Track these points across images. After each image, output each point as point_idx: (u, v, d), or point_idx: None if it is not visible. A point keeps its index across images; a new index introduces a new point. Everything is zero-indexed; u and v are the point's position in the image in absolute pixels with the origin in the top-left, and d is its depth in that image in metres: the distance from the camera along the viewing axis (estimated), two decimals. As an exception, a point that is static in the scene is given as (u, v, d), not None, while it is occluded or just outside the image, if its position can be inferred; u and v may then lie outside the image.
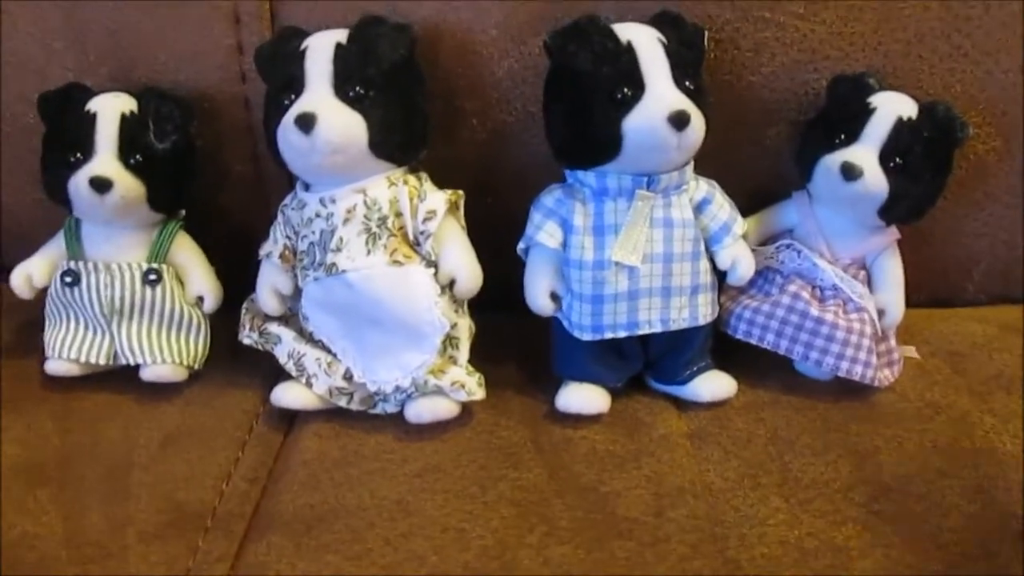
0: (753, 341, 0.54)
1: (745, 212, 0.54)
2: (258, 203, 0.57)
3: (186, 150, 0.53)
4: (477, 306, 0.53)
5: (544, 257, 0.51)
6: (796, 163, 0.54)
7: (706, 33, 0.50)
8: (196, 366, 0.54)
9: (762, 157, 0.56)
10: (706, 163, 0.51)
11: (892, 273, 0.54)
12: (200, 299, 0.54)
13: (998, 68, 0.55)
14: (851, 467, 0.48)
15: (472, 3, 0.53)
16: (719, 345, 0.55)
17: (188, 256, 0.54)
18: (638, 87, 0.46)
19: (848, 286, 0.52)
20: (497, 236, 0.51)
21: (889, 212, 0.51)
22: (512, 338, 0.56)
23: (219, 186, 0.58)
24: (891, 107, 0.50)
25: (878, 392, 0.53)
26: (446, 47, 0.53)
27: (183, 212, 0.55)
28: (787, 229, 0.55)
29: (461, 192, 0.50)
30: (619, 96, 0.46)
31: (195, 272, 0.54)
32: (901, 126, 0.49)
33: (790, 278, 0.54)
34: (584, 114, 0.47)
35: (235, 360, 0.54)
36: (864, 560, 0.42)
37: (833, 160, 0.50)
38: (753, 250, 0.53)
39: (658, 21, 0.49)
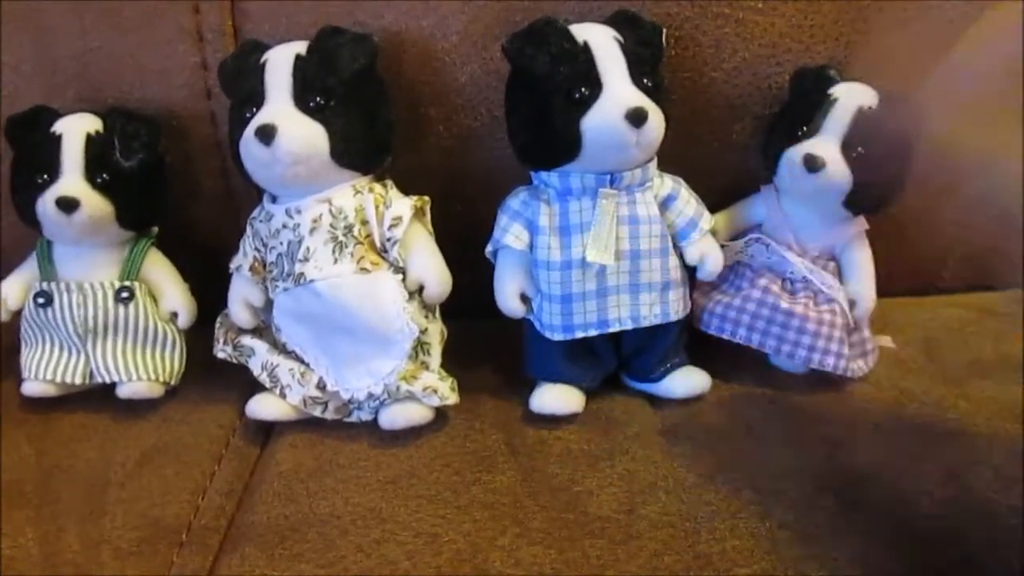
0: (726, 336, 0.54)
1: (713, 208, 0.54)
2: (228, 217, 0.58)
3: (154, 167, 0.53)
4: (449, 311, 0.53)
5: (512, 259, 0.51)
6: (761, 157, 0.54)
7: (664, 31, 0.50)
8: (172, 382, 0.54)
9: (727, 152, 0.56)
10: (671, 160, 0.52)
11: (861, 263, 0.54)
12: (174, 315, 0.54)
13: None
14: (824, 457, 0.48)
15: (433, 11, 0.53)
16: (694, 341, 0.55)
17: (160, 272, 0.54)
18: (595, 86, 0.46)
19: (818, 278, 0.53)
20: (467, 240, 0.51)
21: (854, 202, 0.51)
22: (485, 341, 0.57)
23: (189, 202, 0.58)
24: (852, 98, 0.50)
25: (853, 383, 0.53)
26: (409, 55, 0.54)
27: (155, 229, 0.55)
28: (756, 223, 0.56)
29: (427, 198, 0.50)
30: (577, 96, 0.46)
31: (168, 288, 0.54)
32: (861, 116, 0.50)
33: (760, 272, 0.54)
34: (543, 115, 0.47)
35: (211, 374, 0.55)
36: (836, 549, 0.42)
37: (796, 152, 0.50)
38: (723, 245, 0.53)
39: (615, 21, 0.49)
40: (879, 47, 0.54)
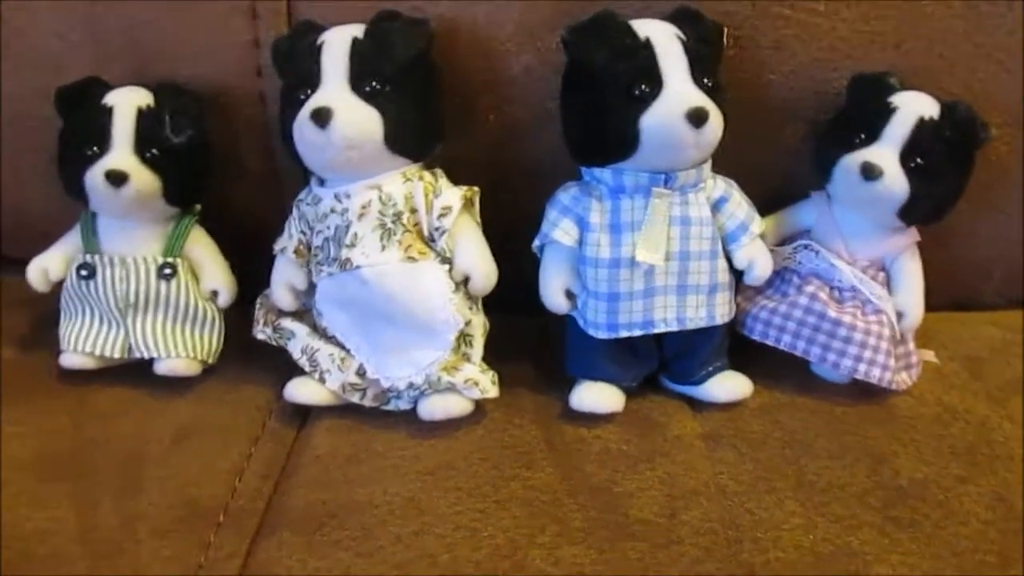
0: (770, 342, 0.53)
1: (763, 211, 0.53)
2: (273, 198, 0.57)
3: (201, 145, 0.52)
4: (492, 304, 0.52)
5: (559, 255, 0.50)
6: (815, 163, 0.53)
7: (725, 30, 0.49)
8: (210, 360, 0.54)
9: (780, 156, 0.55)
10: (724, 161, 0.51)
11: (911, 275, 0.53)
12: (214, 293, 0.54)
13: (1020, 68, 0.54)
14: (867, 471, 0.47)
15: (489, 0, 0.53)
16: (735, 345, 0.54)
17: (203, 251, 0.54)
18: (656, 84, 0.45)
19: (867, 287, 0.52)
20: (513, 233, 0.51)
21: (909, 213, 0.50)
22: (527, 336, 0.56)
23: (234, 181, 0.57)
24: (912, 107, 0.49)
25: (895, 396, 0.53)
26: (463, 43, 0.53)
27: (199, 207, 0.55)
28: (805, 229, 0.55)
29: (476, 188, 0.50)
30: (636, 92, 0.45)
31: (210, 267, 0.54)
32: (922, 126, 0.49)
33: (807, 279, 0.53)
34: (601, 111, 0.46)
35: (249, 355, 0.54)
36: (880, 565, 0.42)
37: (853, 160, 0.49)
38: (771, 250, 0.53)
39: (677, 17, 0.48)
40: (940, 55, 0.54)
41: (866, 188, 0.49)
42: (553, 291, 0.51)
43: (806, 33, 0.52)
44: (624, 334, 0.50)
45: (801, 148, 0.55)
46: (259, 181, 0.58)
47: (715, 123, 0.46)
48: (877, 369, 0.51)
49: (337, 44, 0.47)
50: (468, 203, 0.49)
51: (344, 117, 0.45)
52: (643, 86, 0.45)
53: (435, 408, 0.49)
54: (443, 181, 0.50)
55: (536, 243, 0.51)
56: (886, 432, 0.50)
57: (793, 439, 0.49)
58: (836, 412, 0.52)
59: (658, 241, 0.48)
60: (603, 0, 0.51)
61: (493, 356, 0.52)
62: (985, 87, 0.55)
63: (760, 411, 0.52)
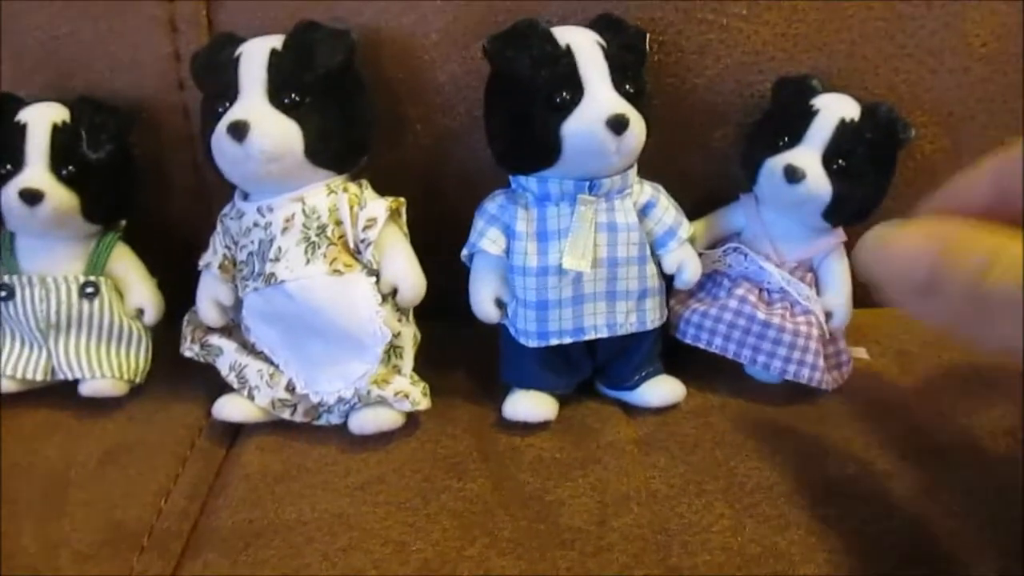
0: (702, 345, 0.53)
1: (692, 215, 0.54)
2: (200, 212, 0.56)
3: (122, 160, 0.51)
4: (425, 313, 0.52)
5: (488, 264, 0.50)
6: (742, 166, 0.53)
7: (648, 36, 0.50)
8: (137, 380, 0.53)
9: (708, 160, 0.56)
10: (651, 166, 0.51)
11: (839, 275, 0.54)
12: (140, 311, 0.53)
13: (943, 67, 0.55)
14: (797, 470, 0.47)
15: (414, 8, 0.52)
16: (670, 349, 0.54)
17: (127, 268, 0.53)
18: (577, 91, 0.45)
19: (795, 288, 0.52)
20: (444, 242, 0.51)
21: (834, 214, 0.51)
22: (461, 345, 0.56)
23: (160, 196, 0.57)
24: (834, 109, 0.50)
25: (827, 394, 0.53)
26: (388, 52, 0.53)
27: (122, 223, 0.54)
28: (735, 232, 0.55)
29: (402, 199, 0.49)
30: (558, 100, 0.45)
31: (135, 284, 0.53)
32: (844, 128, 0.49)
33: (738, 282, 0.53)
34: (522, 119, 0.46)
35: (179, 373, 0.53)
36: (806, 565, 0.42)
37: (776, 163, 0.50)
38: (701, 254, 0.53)
39: (599, 24, 0.48)
40: (863, 56, 0.54)
41: (790, 190, 0.49)
42: (482, 300, 0.50)
43: (730, 37, 0.53)
44: (555, 342, 0.50)
45: (729, 152, 0.55)
46: (186, 196, 0.57)
47: (637, 129, 0.46)
48: (806, 369, 0.52)
49: (255, 56, 0.47)
50: (394, 214, 0.49)
51: (262, 130, 0.44)
52: (564, 94, 0.45)
53: (366, 422, 0.49)
54: (368, 192, 0.49)
55: (464, 252, 0.50)
56: (816, 430, 0.50)
57: (724, 441, 0.50)
58: (768, 413, 0.52)
59: (585, 248, 0.48)
60: (528, 6, 0.51)
61: (428, 366, 0.52)
62: (909, 87, 0.56)
63: (693, 414, 0.52)
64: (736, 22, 0.53)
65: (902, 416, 0.52)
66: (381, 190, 0.50)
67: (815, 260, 0.54)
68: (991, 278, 0.39)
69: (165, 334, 0.54)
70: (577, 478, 0.47)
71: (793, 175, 0.49)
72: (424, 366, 0.52)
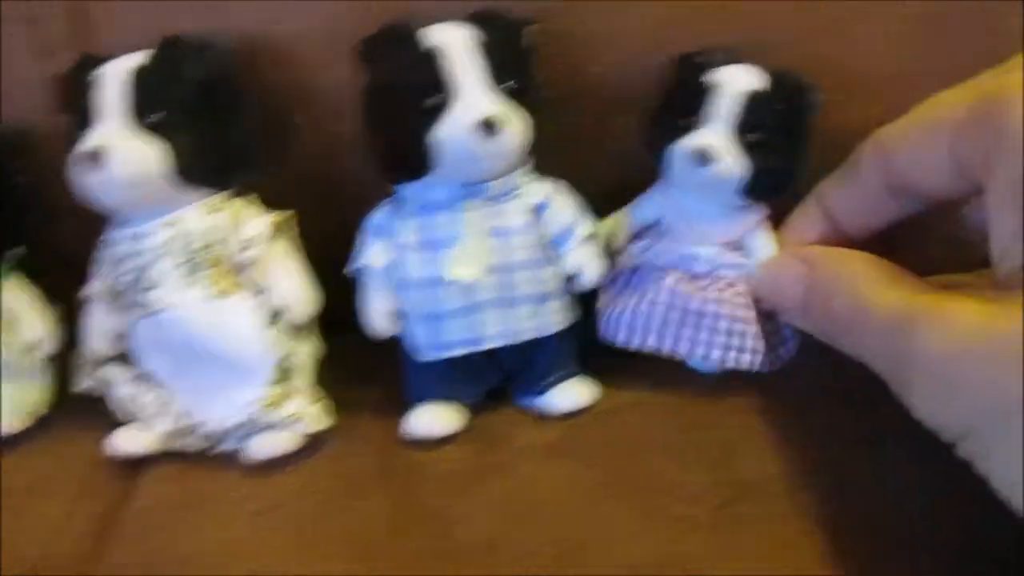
0: (635, 347, 0.51)
1: (605, 206, 0.51)
2: (96, 238, 0.55)
3: (6, 188, 0.50)
4: (329, 326, 0.50)
5: (377, 278, 0.48)
6: (648, 153, 0.51)
7: (532, 25, 0.47)
8: (35, 414, 0.51)
9: (615, 149, 0.53)
10: (552, 162, 0.49)
11: (766, 251, 0.51)
12: (36, 344, 0.52)
13: (866, 38, 0.53)
14: (709, 469, 0.45)
15: (292, 13, 0.50)
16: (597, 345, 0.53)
17: (20, 299, 0.51)
18: (448, 94, 0.43)
19: (725, 260, 0.50)
20: (344, 253, 0.49)
21: (752, 190, 0.48)
22: (372, 357, 0.54)
23: (56, 223, 0.55)
24: (738, 82, 0.47)
25: (752, 385, 0.51)
26: (270, 59, 0.50)
27: (18, 251, 0.52)
28: (654, 221, 0.53)
29: (289, 213, 0.48)
30: (428, 104, 0.43)
31: (28, 316, 0.51)
32: (751, 100, 0.47)
33: (665, 271, 0.51)
34: (394, 126, 0.44)
35: (76, 406, 0.52)
36: (711, 569, 0.41)
37: (685, 146, 0.48)
38: (623, 249, 0.51)
39: (475, 19, 0.46)
40: (774, 28, 0.52)
41: (703, 173, 0.47)
42: (374, 315, 0.49)
43: (624, 20, 0.50)
44: (450, 353, 0.48)
45: (637, 139, 0.53)
46: (80, 222, 0.55)
47: (514, 130, 0.44)
48: (747, 355, 0.50)
49: (116, 76, 0.45)
50: (280, 228, 0.47)
51: (120, 155, 0.43)
52: (434, 98, 0.43)
53: (261, 448, 0.47)
54: (251, 209, 0.48)
55: (351, 267, 0.49)
56: (736, 425, 0.48)
57: (637, 442, 0.48)
58: (686, 408, 0.50)
59: (473, 255, 0.46)
60: (406, 4, 0.49)
61: (337, 380, 0.51)
62: (833, 60, 0.53)
63: (607, 414, 0.50)
64: (629, 3, 0.50)
65: (825, 410, 0.50)
66: (273, 203, 0.49)
67: (742, 239, 0.51)
68: (838, 304, 0.41)
69: (63, 366, 0.53)
70: (480, 492, 0.46)
71: (704, 156, 0.47)
72: (332, 380, 0.51)
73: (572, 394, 0.50)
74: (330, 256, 0.49)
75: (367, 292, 0.49)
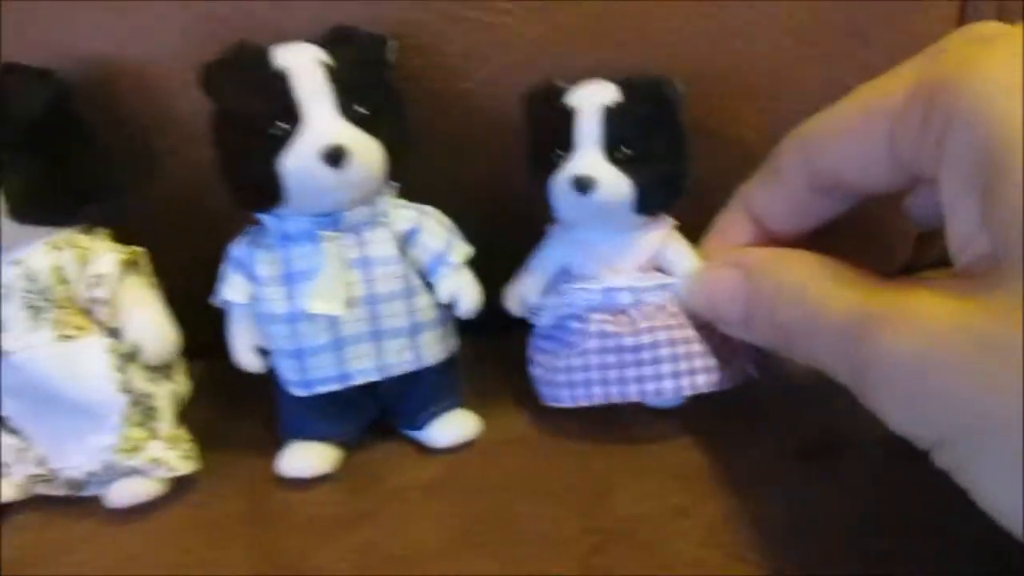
0: (584, 404, 0.47)
1: (483, 229, 0.48)
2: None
3: None
4: (209, 351, 0.48)
5: (241, 311, 0.46)
6: (534, 199, 0.47)
7: (391, 43, 0.44)
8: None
9: (494, 169, 0.51)
10: (428, 183, 0.46)
11: (686, 262, 0.48)
12: None
13: (752, 48, 0.50)
14: (581, 512, 0.43)
15: (142, 35, 0.47)
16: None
17: None
18: (294, 120, 0.41)
19: (648, 283, 0.47)
20: (211, 281, 0.47)
21: (646, 205, 0.45)
22: (252, 390, 0.52)
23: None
24: (591, 99, 0.44)
25: (646, 414, 0.49)
26: (121, 85, 0.48)
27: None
28: (562, 268, 0.49)
29: (139, 249, 0.45)
30: (274, 132, 0.41)
31: None
32: (611, 113, 0.44)
33: (588, 317, 0.47)
34: (240, 155, 0.42)
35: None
36: (575, 624, 0.39)
37: (561, 180, 0.45)
38: (541, 304, 0.48)
39: (328, 39, 0.43)
40: (659, 42, 0.49)
41: (588, 202, 0.44)
42: (240, 351, 0.46)
43: (497, 36, 0.48)
44: (321, 390, 0.46)
45: (512, 157, 0.50)
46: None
47: (364, 159, 0.41)
48: (701, 376, 0.46)
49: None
50: (130, 265, 0.45)
51: (-54, 198, 0.40)
52: (281, 124, 0.41)
53: (120, 495, 0.45)
54: (100, 244, 0.45)
55: (213, 300, 0.46)
56: (615, 461, 0.46)
57: (511, 482, 0.45)
58: (567, 444, 0.48)
59: (335, 289, 0.43)
60: (263, 25, 0.46)
61: (211, 411, 0.49)
62: (719, 71, 0.50)
63: (487, 451, 0.48)
64: (502, 18, 0.47)
65: (707, 439, 0.47)
66: (135, 234, 0.46)
67: (655, 258, 0.48)
68: (785, 311, 0.38)
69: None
70: (345, 538, 0.43)
71: (584, 185, 0.44)
72: (209, 411, 0.49)
73: (452, 428, 0.48)
74: (205, 282, 0.47)
75: (234, 326, 0.47)
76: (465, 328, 0.49)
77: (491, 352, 0.53)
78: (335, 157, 0.40)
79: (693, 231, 0.48)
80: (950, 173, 0.34)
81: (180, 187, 0.50)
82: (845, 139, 0.40)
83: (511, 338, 0.51)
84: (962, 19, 0.54)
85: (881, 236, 0.57)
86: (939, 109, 0.34)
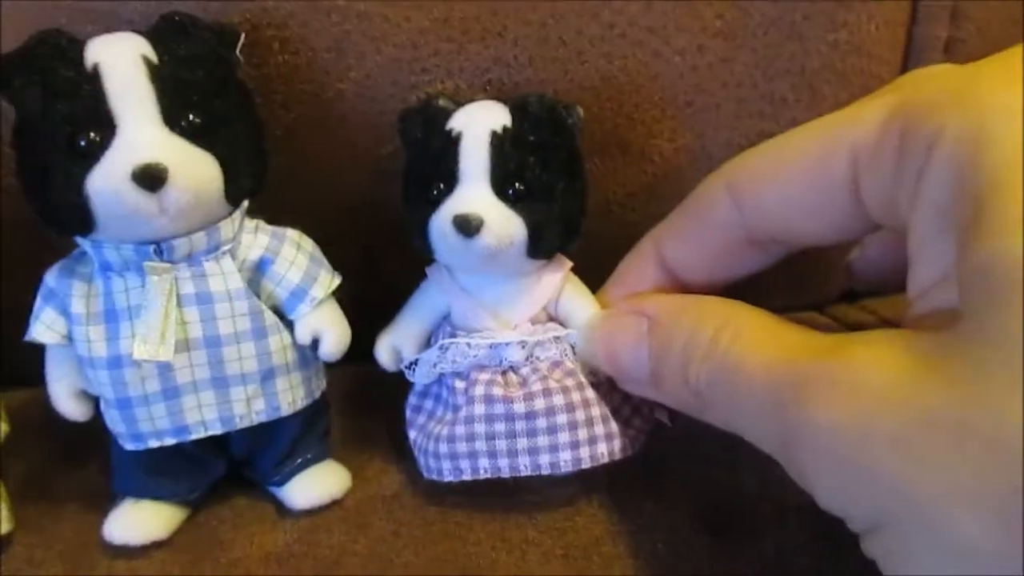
0: (468, 478, 0.40)
1: (368, 249, 0.43)
2: None
3: None
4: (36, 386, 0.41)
5: (60, 352, 0.39)
6: (410, 237, 0.40)
7: (240, 36, 0.37)
8: None
9: (378, 182, 0.44)
10: (299, 201, 0.40)
11: (584, 311, 0.41)
12: None
13: (669, 48, 0.43)
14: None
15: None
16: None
17: None
18: (108, 130, 0.33)
19: (541, 336, 0.40)
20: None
21: (539, 248, 0.39)
22: (82, 430, 0.44)
23: None
24: (479, 124, 0.37)
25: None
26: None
27: None
28: (442, 316, 0.42)
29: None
30: (82, 144, 0.33)
31: None
32: (500, 142, 0.37)
33: (473, 378, 0.40)
34: (41, 170, 0.34)
35: None
36: None
37: (443, 219, 0.37)
38: (416, 360, 0.42)
39: (159, 31, 0.36)
40: (560, 40, 0.42)
41: (473, 246, 0.37)
42: (60, 397, 0.39)
43: (372, 28, 0.41)
44: (154, 444, 0.39)
45: (392, 171, 0.43)
46: None
47: (185, 182, 0.33)
48: (602, 445, 0.40)
49: None
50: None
51: None
52: (91, 135, 0.33)
53: (-91, 564, 0.38)
54: None
55: (26, 336, 0.39)
56: (497, 529, 0.40)
57: (376, 553, 0.39)
58: (447, 507, 0.41)
59: (162, 330, 0.36)
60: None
61: (37, 460, 0.43)
62: (629, 76, 0.44)
63: (353, 513, 0.41)
64: (377, 7, 0.40)
65: (606, 505, 0.42)
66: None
67: (549, 307, 0.41)
68: (697, 368, 0.32)
69: None
70: (168, 623, 0.37)
71: (467, 227, 0.37)
72: (36, 460, 0.43)
73: (313, 486, 0.41)
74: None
75: (50, 368, 0.39)
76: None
77: (371, 380, 0.45)
78: (150, 178, 0.33)
79: (597, 269, 0.42)
80: (926, 209, 0.29)
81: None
82: (792, 180, 0.34)
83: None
84: (914, 16, 0.48)
85: (817, 263, 0.52)
86: (920, 134, 0.28)
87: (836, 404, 0.27)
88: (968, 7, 0.49)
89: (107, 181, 0.33)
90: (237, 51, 0.37)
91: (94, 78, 0.34)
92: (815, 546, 0.38)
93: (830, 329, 0.55)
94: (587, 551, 0.39)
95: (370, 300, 0.41)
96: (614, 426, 0.40)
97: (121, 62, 0.34)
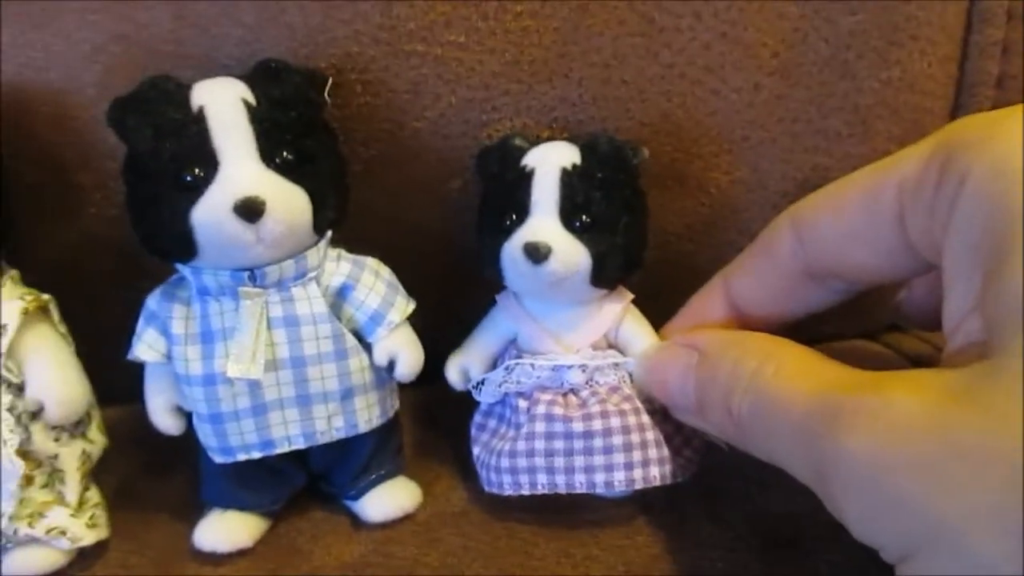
0: (526, 492, 0.42)
1: (437, 275, 0.45)
2: None
3: None
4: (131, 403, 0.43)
5: (158, 369, 0.42)
6: (481, 266, 0.43)
7: (327, 81, 0.40)
8: None
9: (447, 214, 0.47)
10: (376, 232, 0.43)
11: (643, 340, 0.44)
12: None
13: (726, 86, 0.46)
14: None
15: (60, 61, 0.43)
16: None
17: None
18: (211, 167, 0.37)
19: (601, 362, 0.43)
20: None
21: (602, 278, 0.41)
22: (171, 444, 0.48)
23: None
24: (550, 161, 0.40)
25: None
26: (41, 115, 0.44)
27: None
28: (509, 340, 0.45)
29: (47, 296, 0.41)
30: (188, 179, 0.37)
31: None
32: (569, 178, 0.40)
33: (535, 397, 0.43)
34: (151, 202, 0.38)
35: None
36: None
37: (514, 247, 0.40)
38: (483, 379, 0.44)
39: (255, 76, 0.39)
40: (622, 81, 0.45)
41: (541, 272, 0.40)
42: (157, 412, 0.42)
43: (448, 71, 0.43)
44: (242, 457, 0.42)
45: (472, 203, 0.46)
46: None
47: (281, 214, 0.37)
48: (654, 468, 0.42)
49: None
50: (35, 315, 0.41)
51: None
52: (196, 170, 0.37)
53: (18, 567, 0.41)
54: (5, 290, 0.41)
55: (129, 356, 0.42)
56: (561, 546, 0.42)
57: (446, 565, 0.41)
58: (511, 523, 0.43)
59: (253, 350, 0.39)
60: (192, 52, 0.42)
61: (129, 472, 0.45)
62: (687, 112, 0.46)
63: (424, 528, 0.43)
64: (453, 52, 0.43)
65: (673, 518, 0.43)
66: (57, 276, 0.42)
67: (610, 335, 0.44)
68: (740, 400, 0.34)
69: None
70: (257, 625, 0.40)
71: (536, 254, 0.39)
72: (128, 472, 0.45)
73: (387, 500, 0.44)
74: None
75: (149, 385, 0.43)
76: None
77: (441, 400, 0.48)
78: (249, 211, 0.36)
79: (657, 297, 0.44)
80: (956, 241, 0.30)
81: (109, 225, 0.46)
82: (846, 211, 0.36)
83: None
84: (965, 52, 0.49)
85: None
86: (955, 169, 0.30)
87: (866, 433, 0.28)
88: (1019, 42, 0.50)
89: (210, 213, 0.36)
90: (326, 94, 0.40)
91: (199, 119, 0.37)
92: (869, 567, 0.39)
93: (883, 356, 0.56)
94: (647, 568, 0.41)
95: (438, 324, 0.44)
96: (667, 452, 0.42)
97: (224, 105, 0.38)
